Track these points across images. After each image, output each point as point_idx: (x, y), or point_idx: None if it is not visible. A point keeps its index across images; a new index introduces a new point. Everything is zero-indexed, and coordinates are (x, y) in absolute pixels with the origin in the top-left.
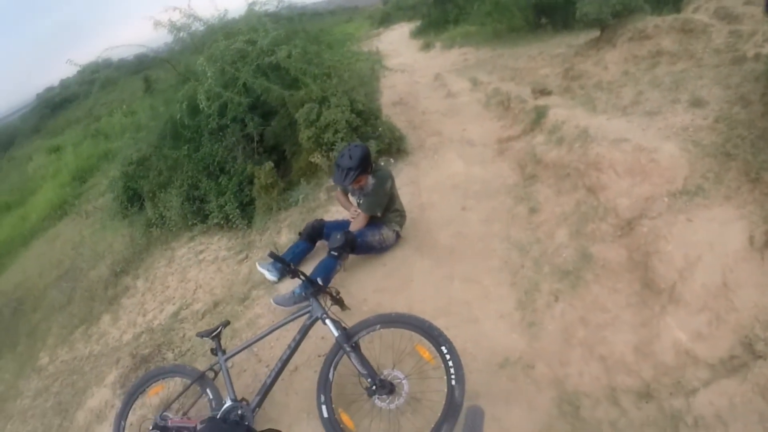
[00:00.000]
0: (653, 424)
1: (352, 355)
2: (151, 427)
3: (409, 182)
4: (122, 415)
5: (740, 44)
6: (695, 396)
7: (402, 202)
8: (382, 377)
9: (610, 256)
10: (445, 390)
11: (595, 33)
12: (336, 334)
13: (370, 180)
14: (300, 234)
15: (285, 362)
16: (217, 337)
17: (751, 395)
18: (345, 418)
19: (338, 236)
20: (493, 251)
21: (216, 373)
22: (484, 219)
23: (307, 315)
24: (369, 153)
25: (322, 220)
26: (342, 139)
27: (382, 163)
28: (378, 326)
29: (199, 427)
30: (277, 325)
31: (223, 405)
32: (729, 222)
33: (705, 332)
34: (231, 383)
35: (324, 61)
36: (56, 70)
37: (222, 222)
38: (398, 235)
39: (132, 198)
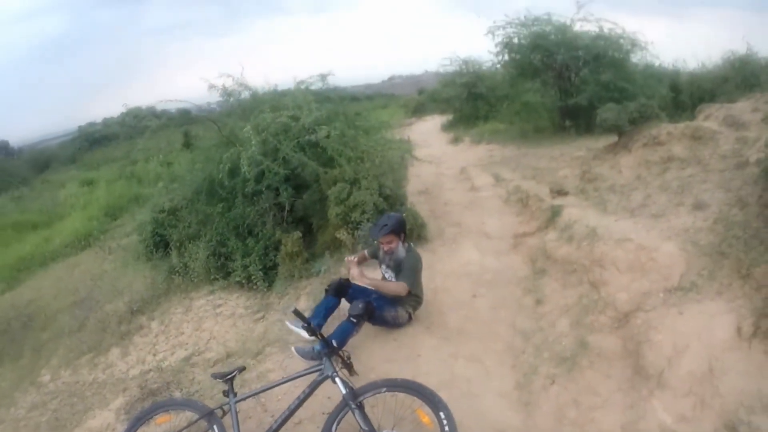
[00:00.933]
0: None
1: (357, 412)
2: None
3: (426, 267)
4: None
5: (744, 150)
6: None
7: (423, 289)
8: None
9: (605, 345)
10: None
11: (614, 138)
12: (344, 391)
13: (401, 248)
14: (327, 290)
15: (292, 411)
16: (231, 381)
17: None
18: None
19: (360, 305)
20: (498, 336)
21: (224, 413)
22: (493, 306)
23: (318, 372)
24: (405, 222)
25: (347, 279)
26: (368, 220)
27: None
28: (384, 389)
29: None
30: (289, 377)
31: None
32: (718, 314)
33: (689, 415)
34: (238, 424)
35: (359, 145)
36: (100, 107)
37: (243, 281)
38: (410, 317)
39: (158, 243)
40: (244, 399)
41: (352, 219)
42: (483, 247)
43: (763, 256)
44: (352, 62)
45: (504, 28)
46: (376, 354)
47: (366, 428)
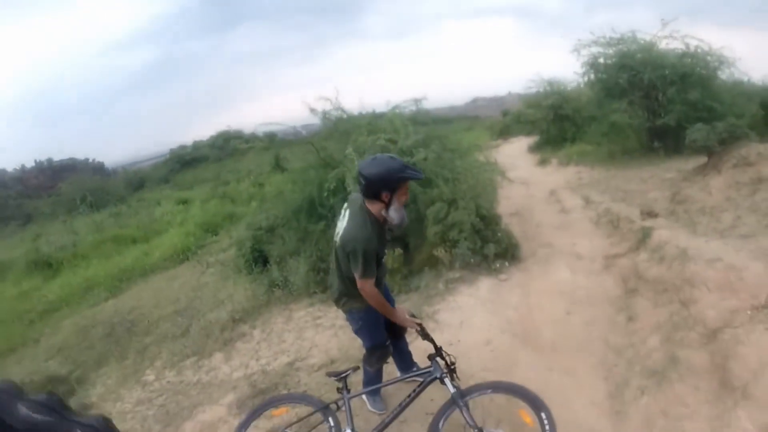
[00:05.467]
0: None
1: (465, 410)
2: None
3: (520, 285)
4: (245, 425)
5: None
6: None
7: None
8: None
9: (694, 359)
10: None
11: (703, 159)
12: (452, 390)
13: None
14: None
15: (403, 408)
16: (345, 378)
17: None
18: None
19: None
20: (591, 351)
21: (338, 408)
22: (586, 323)
23: (427, 374)
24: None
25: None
26: (465, 239)
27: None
28: (489, 390)
29: None
30: (400, 377)
31: None
32: None
33: None
34: (352, 419)
35: (455, 167)
36: (191, 130)
37: None
38: None
39: (257, 259)
40: (357, 395)
41: (450, 237)
42: (575, 267)
43: None
44: (435, 85)
45: (589, 47)
46: (475, 363)
47: (472, 424)
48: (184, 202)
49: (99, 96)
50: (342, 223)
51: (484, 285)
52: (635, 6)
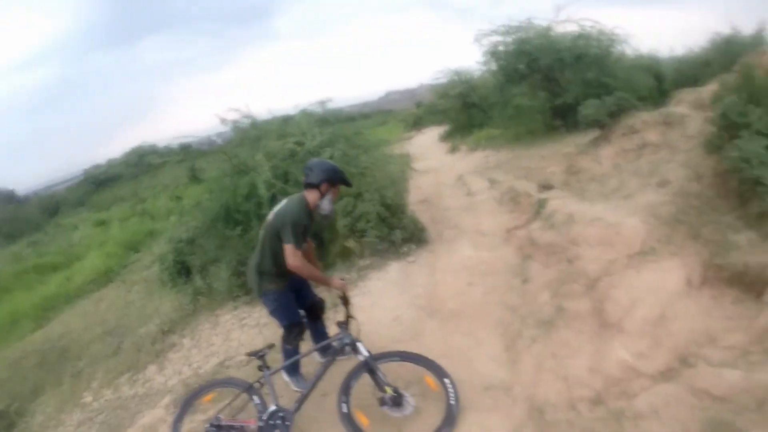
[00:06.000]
0: (601, 420)
1: (378, 371)
2: (208, 426)
3: (427, 265)
4: (179, 419)
5: (706, 128)
6: (636, 398)
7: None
8: (393, 393)
9: (578, 307)
10: (444, 406)
11: (597, 132)
12: (366, 354)
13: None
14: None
15: (319, 377)
16: (263, 357)
17: (683, 393)
18: (360, 416)
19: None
20: (490, 314)
21: (262, 385)
22: (486, 291)
23: (339, 339)
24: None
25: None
26: (372, 228)
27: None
28: (397, 358)
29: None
30: (314, 348)
31: (268, 409)
32: (670, 270)
33: (646, 352)
34: (275, 393)
35: (361, 163)
36: (103, 149)
37: None
38: None
39: (180, 270)
40: (276, 372)
41: (358, 228)
42: (478, 243)
43: (710, 216)
44: (348, 82)
45: (489, 36)
46: (384, 337)
47: (385, 382)
48: (102, 223)
49: (3, 118)
50: (276, 208)
51: (393, 268)
52: None
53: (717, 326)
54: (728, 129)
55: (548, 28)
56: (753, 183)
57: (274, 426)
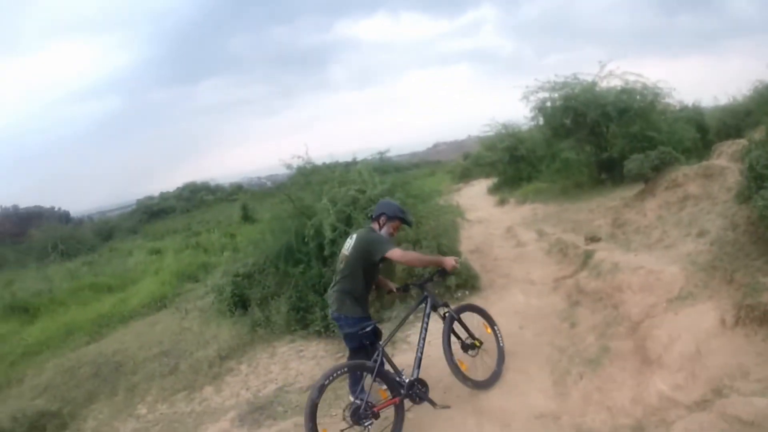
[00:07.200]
0: None
1: (462, 323)
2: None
3: None
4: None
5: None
6: (674, 426)
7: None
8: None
9: (621, 347)
10: (495, 347)
11: (642, 185)
12: (450, 309)
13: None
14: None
15: (424, 339)
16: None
17: (716, 420)
18: (461, 364)
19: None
20: (540, 353)
21: (383, 364)
22: (536, 333)
23: (424, 304)
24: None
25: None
26: (428, 273)
27: None
28: (467, 310)
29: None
30: (407, 314)
31: (405, 381)
32: (706, 312)
33: (683, 384)
34: (392, 364)
35: (418, 212)
36: (156, 181)
37: (322, 330)
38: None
39: (237, 302)
40: (386, 344)
41: (416, 273)
42: (528, 291)
43: (743, 261)
44: (398, 132)
45: (536, 92)
46: (441, 372)
47: (470, 333)
48: (158, 251)
49: (63, 144)
50: (350, 242)
51: None
52: (584, 46)
53: (749, 361)
54: (756, 180)
55: (593, 83)
56: None
57: (416, 394)
